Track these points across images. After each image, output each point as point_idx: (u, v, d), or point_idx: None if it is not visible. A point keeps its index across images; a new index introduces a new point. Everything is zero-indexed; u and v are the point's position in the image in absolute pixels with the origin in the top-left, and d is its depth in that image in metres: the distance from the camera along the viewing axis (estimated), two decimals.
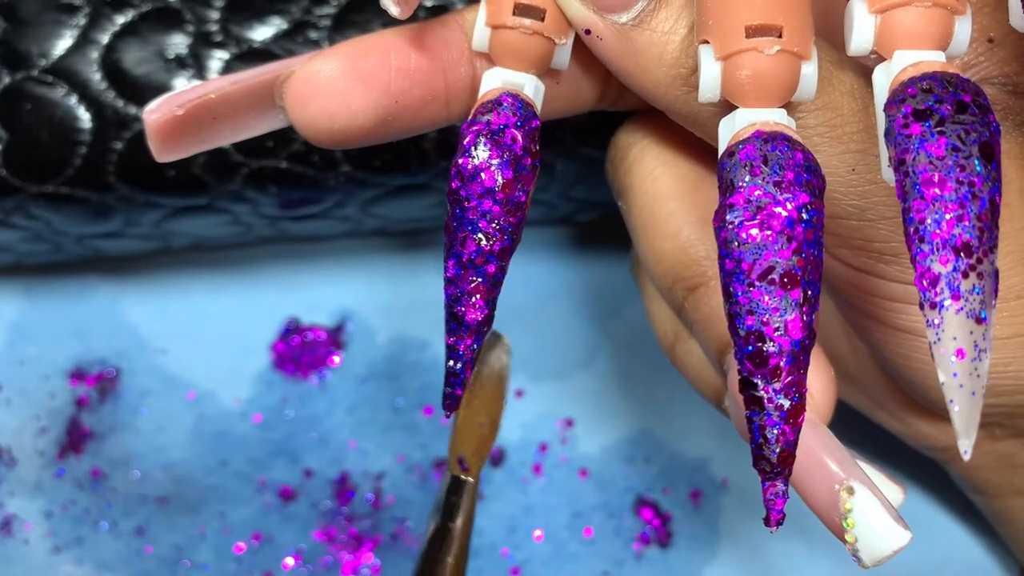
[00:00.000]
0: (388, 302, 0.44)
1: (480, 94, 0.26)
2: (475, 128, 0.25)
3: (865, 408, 0.38)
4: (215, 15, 0.38)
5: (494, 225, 0.25)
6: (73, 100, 0.37)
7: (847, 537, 0.26)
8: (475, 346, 0.26)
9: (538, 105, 0.26)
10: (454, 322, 0.26)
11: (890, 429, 0.38)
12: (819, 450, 0.27)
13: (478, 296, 0.25)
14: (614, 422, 0.43)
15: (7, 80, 0.37)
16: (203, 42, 0.38)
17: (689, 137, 0.31)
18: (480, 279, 0.25)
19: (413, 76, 0.28)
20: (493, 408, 0.32)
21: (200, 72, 0.37)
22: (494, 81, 0.26)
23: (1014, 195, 0.28)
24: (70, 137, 0.37)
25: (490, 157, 0.25)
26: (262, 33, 0.38)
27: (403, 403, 0.43)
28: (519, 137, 0.25)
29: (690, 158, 0.31)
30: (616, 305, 0.44)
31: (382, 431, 0.42)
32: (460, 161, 0.25)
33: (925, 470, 0.39)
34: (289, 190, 0.38)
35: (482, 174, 0.25)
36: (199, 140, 0.29)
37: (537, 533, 0.41)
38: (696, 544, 0.41)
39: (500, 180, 0.25)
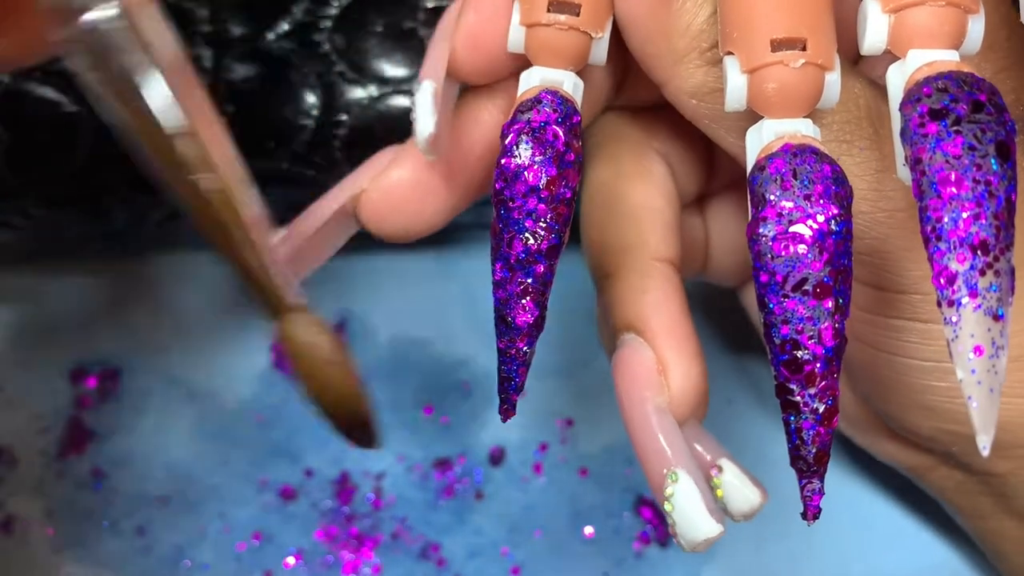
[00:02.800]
0: (388, 302, 0.44)
1: (519, 93, 0.26)
2: (516, 127, 0.25)
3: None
4: (215, 15, 0.38)
5: (541, 224, 0.25)
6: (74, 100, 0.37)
7: (668, 519, 0.28)
8: (527, 349, 0.25)
9: (578, 101, 0.26)
10: (504, 325, 0.25)
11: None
12: (658, 434, 0.28)
13: (528, 298, 0.25)
14: (614, 422, 0.42)
15: (8, 81, 0.37)
16: (203, 42, 0.38)
17: (637, 135, 0.32)
18: (529, 280, 0.25)
19: (473, 169, 0.29)
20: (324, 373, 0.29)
21: (201, 72, 0.37)
22: (532, 79, 0.26)
23: None
24: (71, 138, 0.37)
25: (532, 155, 0.24)
26: (263, 34, 0.38)
27: (403, 403, 0.43)
28: (560, 133, 0.25)
29: (633, 156, 0.32)
30: None
31: (382, 431, 0.42)
32: (503, 162, 0.25)
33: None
34: (290, 191, 0.38)
35: (526, 173, 0.24)
36: (299, 270, 0.30)
37: (537, 532, 0.41)
38: None
39: (544, 178, 0.24)
